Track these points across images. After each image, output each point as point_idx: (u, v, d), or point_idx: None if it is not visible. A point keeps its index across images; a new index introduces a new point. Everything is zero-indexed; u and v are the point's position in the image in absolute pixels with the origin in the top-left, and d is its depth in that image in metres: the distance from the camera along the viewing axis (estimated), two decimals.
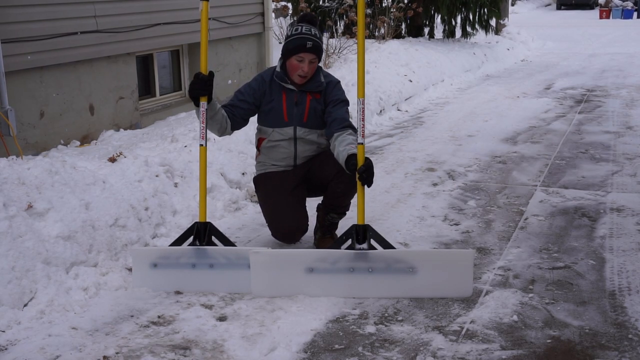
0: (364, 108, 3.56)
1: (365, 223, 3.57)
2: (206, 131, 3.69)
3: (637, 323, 3.23)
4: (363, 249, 3.51)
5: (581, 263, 3.95)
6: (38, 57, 5.86)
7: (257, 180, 4.18)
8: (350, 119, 3.98)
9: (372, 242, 3.56)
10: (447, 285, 3.51)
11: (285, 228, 3.98)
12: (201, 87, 3.62)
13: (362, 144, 3.55)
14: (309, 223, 4.07)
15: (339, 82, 4.08)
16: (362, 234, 3.55)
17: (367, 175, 3.49)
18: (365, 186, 3.54)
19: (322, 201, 4.15)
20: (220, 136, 4.07)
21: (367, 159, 3.53)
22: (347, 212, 4.16)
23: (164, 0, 7.42)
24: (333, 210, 4.10)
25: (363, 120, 3.55)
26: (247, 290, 3.57)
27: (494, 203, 5.07)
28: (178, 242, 3.71)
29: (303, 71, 3.88)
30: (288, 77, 3.96)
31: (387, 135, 7.44)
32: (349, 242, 3.57)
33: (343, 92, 4.05)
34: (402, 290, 3.51)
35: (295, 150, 4.03)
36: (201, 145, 3.70)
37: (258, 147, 4.15)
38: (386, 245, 3.56)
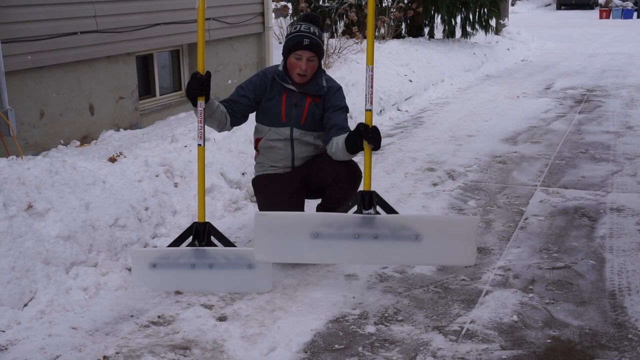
0: (372, 75, 3.57)
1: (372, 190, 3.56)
2: (204, 131, 3.68)
3: (637, 323, 3.23)
4: (370, 214, 3.49)
5: (581, 263, 3.95)
6: (38, 57, 5.86)
7: (255, 182, 4.16)
8: (348, 126, 3.96)
9: (378, 208, 3.56)
10: (450, 253, 3.47)
11: None
12: (198, 87, 3.60)
13: (370, 110, 3.56)
14: None
15: (340, 88, 4.07)
16: (369, 199, 3.54)
17: (373, 135, 3.49)
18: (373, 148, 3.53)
19: (322, 203, 4.14)
20: (219, 132, 4.06)
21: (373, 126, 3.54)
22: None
23: (164, 0, 7.42)
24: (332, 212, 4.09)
25: (372, 87, 3.55)
26: (247, 290, 3.57)
27: (494, 203, 5.07)
28: (177, 242, 3.70)
29: (301, 69, 3.87)
30: (289, 77, 3.96)
31: (387, 135, 7.44)
32: (355, 208, 3.55)
33: (344, 98, 4.04)
34: (407, 258, 3.50)
35: (292, 151, 4.02)
36: (199, 145, 3.68)
37: (256, 147, 4.14)
38: (391, 211, 3.56)
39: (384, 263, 3.48)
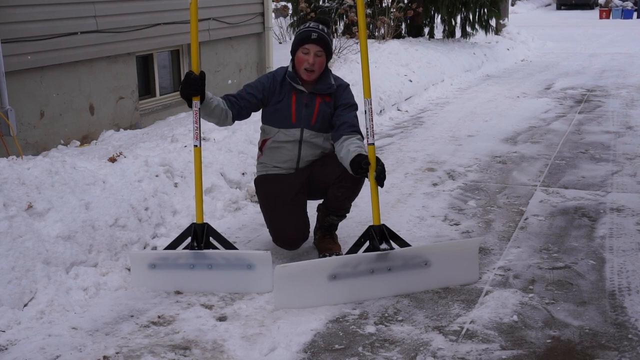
0: (372, 108, 3.60)
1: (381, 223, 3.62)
2: (200, 132, 3.66)
3: (637, 323, 3.23)
4: (386, 249, 3.54)
5: (581, 263, 3.95)
6: (38, 57, 5.85)
7: (258, 182, 4.15)
8: (358, 124, 3.97)
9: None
10: (457, 273, 3.64)
11: (287, 237, 3.95)
12: (192, 87, 3.58)
13: (372, 144, 3.59)
14: (309, 226, 4.06)
15: (348, 85, 4.08)
16: (380, 234, 3.59)
17: (383, 176, 3.58)
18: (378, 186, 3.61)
19: (323, 203, 4.14)
20: (220, 127, 4.05)
21: (378, 159, 3.60)
22: (347, 215, 4.16)
23: (164, 0, 7.42)
24: (333, 212, 4.09)
25: (372, 120, 3.58)
26: (247, 290, 3.57)
27: (494, 203, 5.07)
28: (175, 244, 3.70)
29: (308, 63, 3.86)
30: (299, 77, 3.96)
31: (387, 135, 7.44)
32: (367, 244, 3.61)
33: (353, 96, 4.05)
34: (419, 284, 3.58)
35: (299, 153, 4.01)
36: (195, 146, 3.66)
37: (261, 148, 4.13)
38: (402, 242, 3.61)
39: (398, 292, 3.53)
